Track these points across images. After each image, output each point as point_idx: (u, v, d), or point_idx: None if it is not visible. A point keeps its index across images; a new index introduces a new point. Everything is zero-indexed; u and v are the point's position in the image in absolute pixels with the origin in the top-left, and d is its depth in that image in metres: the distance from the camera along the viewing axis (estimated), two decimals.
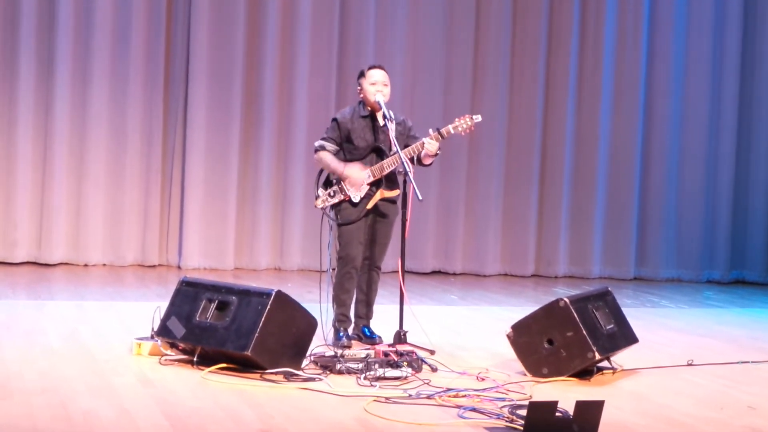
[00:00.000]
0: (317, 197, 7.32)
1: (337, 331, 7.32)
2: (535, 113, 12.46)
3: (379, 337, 7.31)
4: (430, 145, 7.14)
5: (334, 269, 7.45)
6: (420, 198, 6.85)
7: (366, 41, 11.91)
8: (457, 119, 7.29)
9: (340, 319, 7.35)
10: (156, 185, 11.53)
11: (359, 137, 7.29)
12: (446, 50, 12.24)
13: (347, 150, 7.33)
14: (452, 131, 7.22)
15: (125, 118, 11.35)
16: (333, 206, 7.32)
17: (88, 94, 11.24)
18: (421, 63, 12.18)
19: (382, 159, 7.24)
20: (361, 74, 7.36)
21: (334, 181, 7.29)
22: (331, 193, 7.28)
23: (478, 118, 7.31)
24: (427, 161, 7.26)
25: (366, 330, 7.41)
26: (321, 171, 7.40)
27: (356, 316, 7.48)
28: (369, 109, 7.33)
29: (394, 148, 7.10)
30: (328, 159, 7.31)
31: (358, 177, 7.23)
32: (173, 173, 11.62)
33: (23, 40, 11.07)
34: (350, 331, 7.40)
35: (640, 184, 12.73)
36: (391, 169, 7.22)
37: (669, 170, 12.77)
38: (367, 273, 7.43)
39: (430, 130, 7.16)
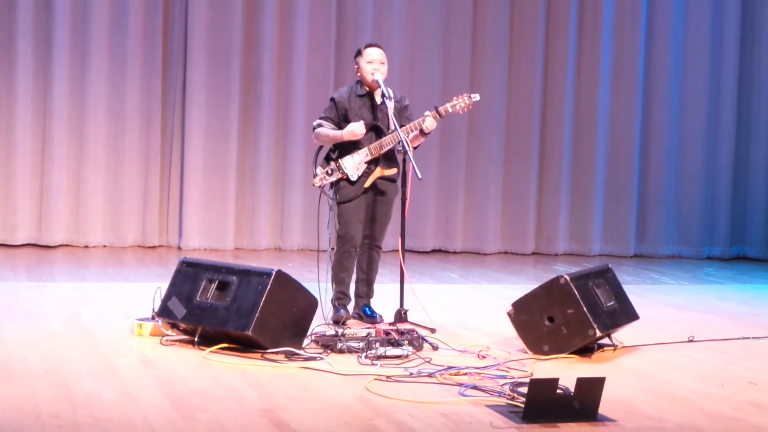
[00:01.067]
0: (315, 175, 7.32)
1: (336, 309, 7.33)
2: (534, 92, 12.43)
3: (380, 316, 7.32)
4: (429, 122, 7.14)
5: (333, 248, 7.45)
6: (420, 177, 6.85)
7: (364, 22, 11.88)
8: (455, 98, 7.29)
9: (339, 297, 7.37)
10: (155, 166, 11.53)
11: (357, 116, 7.28)
12: (445, 30, 12.21)
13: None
14: (450, 110, 7.23)
15: (124, 100, 11.34)
16: (331, 184, 7.33)
17: (87, 76, 11.22)
18: (419, 43, 12.15)
19: (381, 137, 7.24)
20: (358, 53, 7.36)
21: (333, 159, 7.29)
22: (329, 171, 7.28)
23: (476, 96, 7.32)
24: (415, 143, 7.25)
25: (367, 309, 7.42)
26: (319, 150, 7.39)
27: (356, 295, 7.49)
28: (366, 87, 7.33)
29: (392, 126, 7.09)
30: (326, 130, 7.30)
31: (356, 129, 7.18)
32: (172, 154, 11.61)
33: (21, 22, 11.04)
34: (350, 309, 7.42)
35: (640, 161, 12.72)
36: (390, 147, 7.22)
37: (669, 148, 12.76)
38: (368, 252, 7.44)
39: (427, 112, 7.16)
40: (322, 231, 7.47)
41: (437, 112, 7.18)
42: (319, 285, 6.91)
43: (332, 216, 7.42)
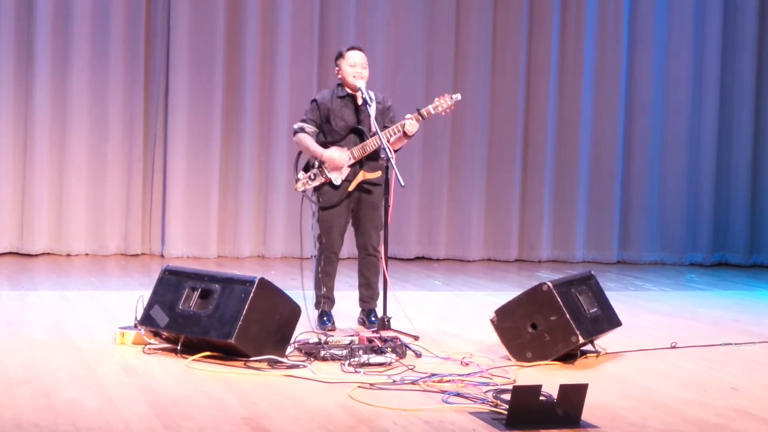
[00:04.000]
0: (297, 180, 7.30)
1: (321, 316, 7.33)
2: (517, 99, 12.45)
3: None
4: (410, 125, 7.15)
5: (314, 255, 7.43)
6: (402, 184, 6.84)
7: (347, 28, 11.89)
8: (436, 98, 7.31)
9: (324, 301, 7.37)
10: (138, 174, 11.50)
11: (338, 117, 7.27)
12: (428, 37, 12.22)
13: (326, 131, 7.32)
14: (432, 111, 7.25)
15: (106, 107, 11.31)
16: (314, 189, 7.31)
17: (68, 83, 11.19)
18: (402, 50, 12.16)
19: (362, 140, 7.23)
20: (340, 55, 7.35)
21: (315, 163, 7.27)
22: (312, 176, 7.27)
23: (457, 96, 7.35)
24: (398, 145, 7.25)
25: (371, 317, 7.38)
26: (299, 153, 7.38)
27: (360, 299, 7.50)
28: (347, 90, 7.32)
29: (373, 129, 7.10)
30: (308, 141, 7.29)
31: (338, 158, 7.21)
32: (155, 162, 11.58)
33: (1, 30, 11.00)
34: (354, 314, 7.42)
35: (623, 168, 12.75)
36: (373, 149, 7.22)
37: (651, 154, 12.80)
38: (365, 258, 7.43)
39: (408, 115, 7.17)
40: (305, 236, 7.45)
41: (419, 113, 7.19)
42: (304, 293, 6.89)
43: (314, 221, 7.41)
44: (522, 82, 12.45)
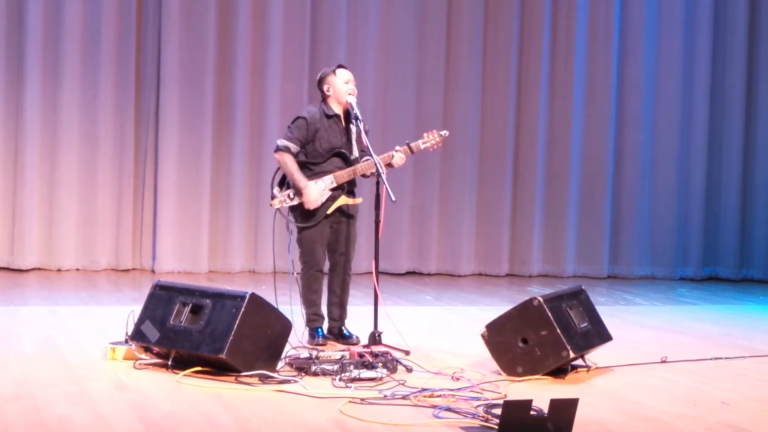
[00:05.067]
0: (273, 197, 7.29)
1: (312, 331, 7.33)
2: (507, 112, 12.48)
3: (357, 337, 7.32)
4: (399, 158, 7.22)
5: (298, 273, 7.42)
6: (393, 199, 6.86)
7: (338, 42, 11.91)
8: (426, 134, 7.39)
9: (313, 319, 7.36)
10: (129, 189, 11.49)
11: (324, 139, 7.26)
12: (418, 51, 12.25)
13: (309, 151, 7.28)
14: (422, 147, 7.32)
15: (97, 123, 11.31)
16: (291, 208, 7.31)
17: (59, 98, 11.18)
18: (393, 64, 12.18)
19: (345, 163, 7.25)
20: (329, 73, 7.35)
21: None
22: (291, 195, 7.26)
23: (445, 133, 7.45)
24: (368, 173, 7.27)
25: (343, 330, 7.41)
26: (278, 169, 7.35)
27: (331, 318, 7.47)
28: (335, 108, 7.32)
29: (359, 149, 7.16)
30: (291, 167, 7.22)
31: (315, 200, 7.19)
32: (146, 177, 11.58)
33: None
34: (325, 329, 7.41)
35: (613, 182, 12.78)
36: (362, 174, 7.24)
37: (641, 168, 12.83)
38: (341, 277, 7.42)
39: (397, 147, 7.22)
40: (278, 253, 7.45)
41: (409, 147, 7.25)
42: (291, 307, 6.89)
43: (292, 240, 7.37)
44: (512, 95, 12.48)
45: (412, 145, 7.27)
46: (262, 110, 11.74)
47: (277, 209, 7.29)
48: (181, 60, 11.47)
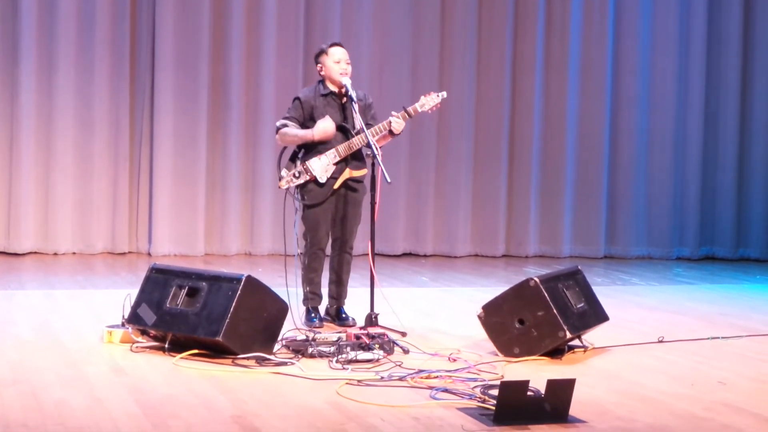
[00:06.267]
0: (281, 178, 7.28)
1: (309, 312, 7.32)
2: (502, 94, 12.47)
3: (353, 319, 7.32)
4: (397, 123, 7.15)
5: (301, 253, 7.43)
6: (389, 180, 6.84)
7: (332, 25, 11.88)
8: (423, 96, 7.31)
9: (311, 298, 7.36)
10: (124, 173, 11.49)
11: (322, 115, 7.24)
12: (413, 33, 12.23)
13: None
14: (419, 109, 7.25)
15: (92, 107, 11.29)
16: (298, 187, 7.29)
17: (54, 83, 11.17)
18: (388, 47, 12.16)
19: (347, 137, 7.23)
20: (322, 52, 7.32)
21: (299, 161, 7.25)
22: (296, 174, 7.25)
23: (443, 94, 7.35)
24: (382, 143, 7.25)
25: (341, 311, 7.41)
26: (283, 151, 7.35)
27: (329, 296, 7.48)
28: (330, 87, 7.30)
29: (357, 126, 7.10)
30: (292, 130, 7.24)
31: (328, 127, 7.16)
32: (141, 161, 11.57)
33: None
34: (322, 311, 7.41)
35: (609, 162, 12.78)
36: (359, 147, 7.21)
37: (638, 148, 12.83)
38: (339, 255, 7.42)
39: (394, 113, 7.17)
40: (289, 234, 7.45)
41: (406, 112, 7.20)
42: (287, 290, 6.88)
43: (297, 219, 7.39)
44: (508, 77, 12.47)
45: (410, 108, 7.22)
46: (256, 93, 11.72)
47: (287, 189, 7.28)
48: (175, 44, 11.45)
